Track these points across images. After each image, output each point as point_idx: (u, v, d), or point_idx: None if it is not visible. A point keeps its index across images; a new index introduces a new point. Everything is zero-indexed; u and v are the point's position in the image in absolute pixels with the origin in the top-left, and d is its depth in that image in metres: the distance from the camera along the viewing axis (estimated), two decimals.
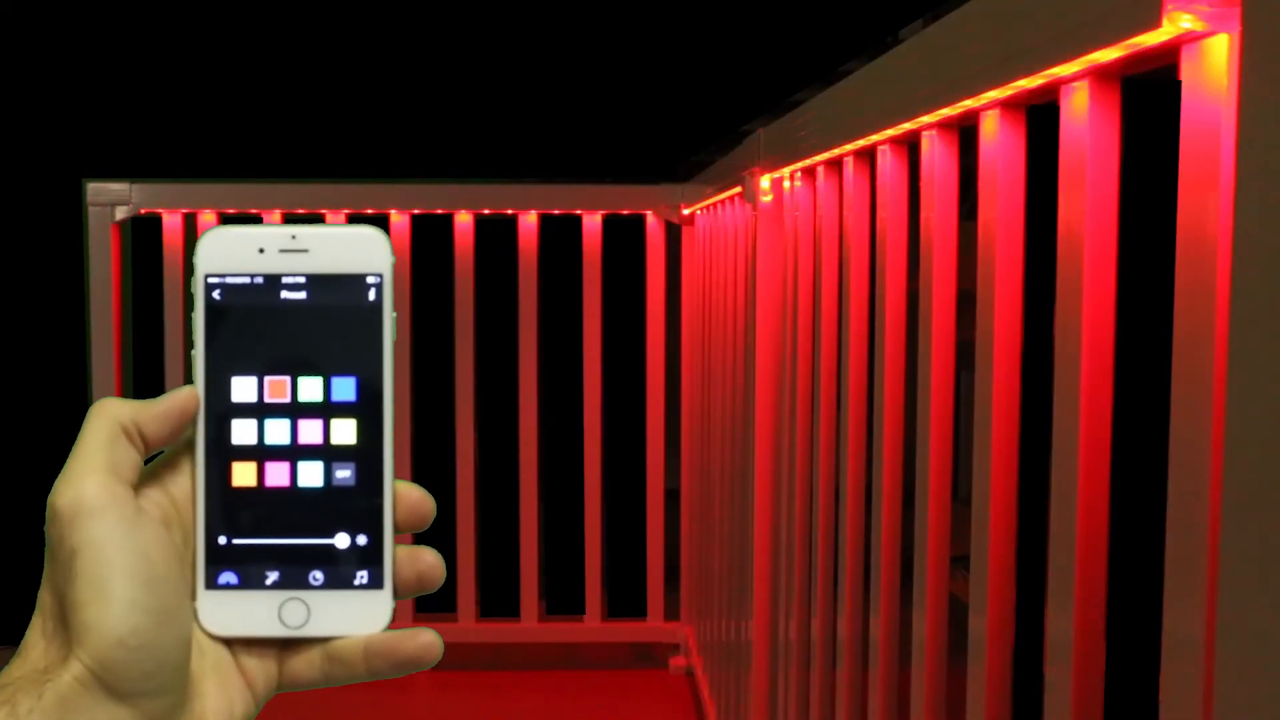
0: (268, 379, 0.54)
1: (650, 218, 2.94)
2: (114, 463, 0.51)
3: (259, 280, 0.54)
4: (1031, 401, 0.91)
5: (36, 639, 0.50)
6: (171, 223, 2.81)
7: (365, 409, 0.54)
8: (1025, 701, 0.89)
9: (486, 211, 2.90)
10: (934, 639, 1.07)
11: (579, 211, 2.91)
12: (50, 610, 0.50)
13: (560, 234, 2.93)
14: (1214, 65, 0.59)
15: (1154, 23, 0.60)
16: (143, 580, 0.49)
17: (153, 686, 0.49)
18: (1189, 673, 0.61)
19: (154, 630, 0.49)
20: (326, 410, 0.54)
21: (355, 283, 0.54)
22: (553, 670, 2.95)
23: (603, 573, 2.97)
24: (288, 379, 0.54)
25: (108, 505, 0.50)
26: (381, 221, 2.68)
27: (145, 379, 2.86)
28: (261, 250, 0.54)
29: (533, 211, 2.89)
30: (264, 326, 0.54)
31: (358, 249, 0.54)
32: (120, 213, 2.77)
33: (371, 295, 0.54)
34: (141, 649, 0.48)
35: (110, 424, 0.51)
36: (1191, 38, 0.60)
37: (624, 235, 2.95)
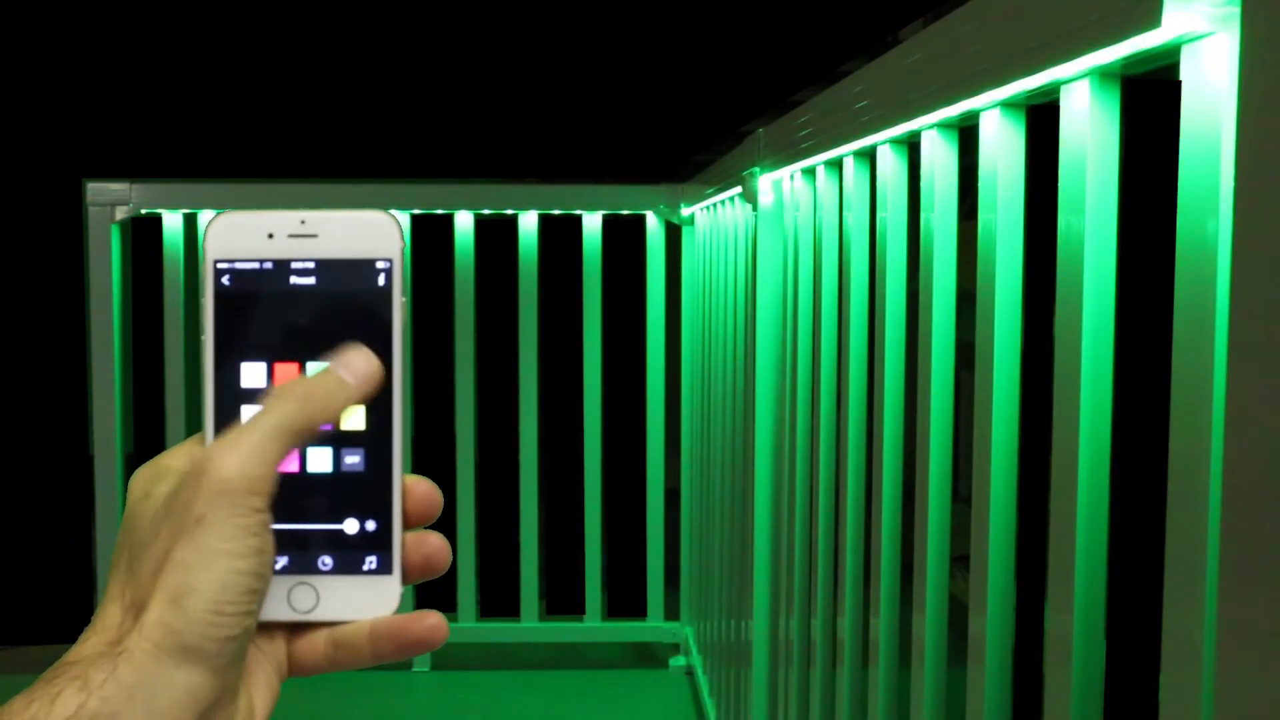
0: (277, 365, 0.54)
1: (650, 218, 2.94)
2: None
3: (268, 265, 0.54)
4: (1031, 401, 0.91)
5: (114, 610, 0.49)
6: (171, 223, 2.81)
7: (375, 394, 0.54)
8: (1025, 701, 0.89)
9: (486, 211, 2.90)
10: (934, 639, 1.07)
11: (579, 212, 2.91)
12: (127, 572, 0.50)
13: (560, 234, 2.93)
14: (1214, 65, 0.58)
15: (1154, 23, 0.60)
16: (253, 564, 0.49)
17: (234, 650, 0.49)
18: (1189, 673, 0.61)
19: (247, 601, 0.49)
20: None
21: (365, 268, 0.54)
22: (553, 670, 2.95)
23: (603, 573, 2.97)
24: (297, 365, 0.54)
25: (256, 497, 0.50)
26: None
27: (145, 379, 2.86)
28: (271, 235, 0.54)
29: (533, 211, 2.89)
30: (273, 312, 0.54)
31: (368, 234, 0.54)
32: (120, 213, 2.77)
33: (381, 280, 0.54)
34: (233, 616, 0.49)
35: (305, 418, 0.51)
36: (1191, 38, 0.60)
37: (624, 235, 2.95)
